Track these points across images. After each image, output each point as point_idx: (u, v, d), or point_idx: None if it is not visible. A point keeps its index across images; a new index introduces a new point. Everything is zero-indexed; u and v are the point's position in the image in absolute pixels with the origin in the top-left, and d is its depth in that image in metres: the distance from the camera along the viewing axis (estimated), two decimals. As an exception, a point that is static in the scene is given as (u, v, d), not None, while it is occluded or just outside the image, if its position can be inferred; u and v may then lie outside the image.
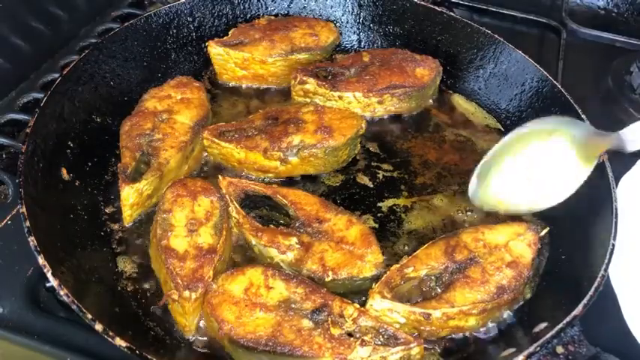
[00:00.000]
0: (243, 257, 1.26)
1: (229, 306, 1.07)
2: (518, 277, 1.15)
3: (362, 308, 1.09)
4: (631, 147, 1.19)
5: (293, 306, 1.08)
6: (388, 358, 1.03)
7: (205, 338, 1.12)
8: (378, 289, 1.12)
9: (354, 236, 1.21)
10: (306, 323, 1.05)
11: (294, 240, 1.20)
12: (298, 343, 1.02)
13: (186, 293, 1.08)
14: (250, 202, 1.29)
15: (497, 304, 1.13)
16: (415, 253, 1.20)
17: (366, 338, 1.03)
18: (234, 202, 1.25)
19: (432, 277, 1.16)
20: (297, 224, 1.24)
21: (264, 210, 1.30)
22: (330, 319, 1.06)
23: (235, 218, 1.26)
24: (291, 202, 1.27)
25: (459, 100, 1.64)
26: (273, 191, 1.29)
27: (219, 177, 1.30)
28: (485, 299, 1.12)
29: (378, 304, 1.10)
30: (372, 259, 1.19)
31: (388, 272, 1.16)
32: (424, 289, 1.16)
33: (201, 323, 1.13)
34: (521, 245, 1.20)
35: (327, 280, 1.16)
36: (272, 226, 1.25)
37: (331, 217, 1.25)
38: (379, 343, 1.04)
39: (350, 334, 1.05)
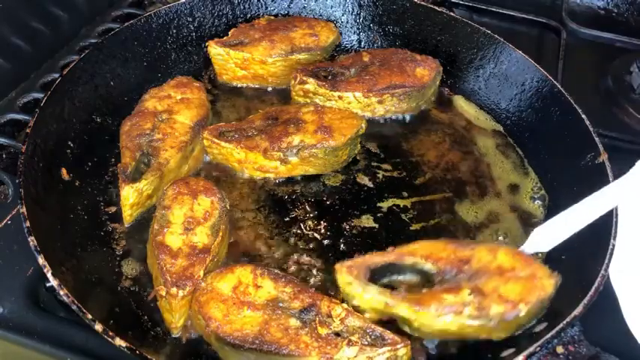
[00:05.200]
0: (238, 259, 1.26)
1: (217, 304, 1.07)
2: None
3: (349, 308, 1.08)
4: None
5: (281, 305, 1.08)
6: (375, 358, 1.03)
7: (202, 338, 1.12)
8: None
9: (508, 261, 1.11)
10: (294, 322, 1.05)
11: (466, 292, 1.05)
12: (285, 342, 1.02)
13: (174, 290, 1.08)
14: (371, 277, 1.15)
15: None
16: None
17: (353, 338, 1.03)
18: (369, 284, 1.11)
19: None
20: (446, 276, 1.11)
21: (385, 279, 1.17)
22: (317, 318, 1.06)
23: (382, 300, 1.09)
24: (425, 257, 1.14)
25: (460, 103, 1.63)
26: (397, 255, 1.15)
27: (337, 266, 1.14)
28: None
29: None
30: (542, 275, 1.10)
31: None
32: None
33: (188, 322, 1.13)
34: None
35: (521, 315, 1.04)
36: (425, 290, 1.10)
37: (470, 252, 1.13)
38: (366, 343, 1.04)
39: (337, 334, 1.05)
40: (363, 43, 1.78)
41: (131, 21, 1.54)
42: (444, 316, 1.04)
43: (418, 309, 1.06)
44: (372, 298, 1.09)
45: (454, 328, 1.06)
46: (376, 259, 1.15)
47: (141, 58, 1.56)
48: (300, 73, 1.51)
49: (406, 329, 1.10)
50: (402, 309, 1.07)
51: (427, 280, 1.13)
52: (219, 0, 1.68)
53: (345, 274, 1.11)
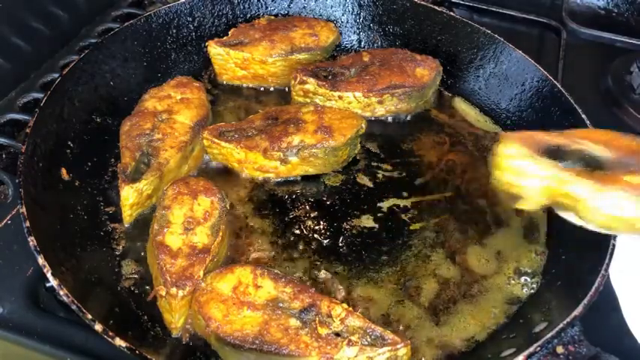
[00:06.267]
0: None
1: (217, 304, 1.07)
2: None
3: (349, 308, 1.08)
4: None
5: (281, 305, 1.08)
6: (375, 358, 1.03)
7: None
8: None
9: None
10: (294, 322, 1.05)
11: None
12: (285, 342, 1.02)
13: (174, 290, 1.08)
14: None
15: None
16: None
17: (353, 338, 1.03)
18: (542, 157, 0.99)
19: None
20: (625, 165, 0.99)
21: None
22: (317, 318, 1.06)
23: (559, 176, 0.97)
24: (602, 143, 1.00)
25: (460, 105, 1.63)
26: (568, 138, 1.02)
27: (503, 134, 1.05)
28: None
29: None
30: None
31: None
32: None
33: (188, 322, 1.13)
34: None
35: None
36: (598, 171, 0.98)
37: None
38: (366, 343, 1.04)
39: (337, 334, 1.05)
40: (363, 43, 1.78)
41: (131, 21, 1.54)
42: (627, 199, 0.92)
43: (602, 187, 0.93)
44: (544, 172, 0.95)
45: (632, 216, 0.94)
46: (545, 137, 1.00)
47: (141, 58, 1.56)
48: (300, 73, 1.51)
49: (568, 217, 0.99)
50: (580, 187, 0.95)
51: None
52: (219, 0, 1.68)
53: (517, 144, 0.96)
